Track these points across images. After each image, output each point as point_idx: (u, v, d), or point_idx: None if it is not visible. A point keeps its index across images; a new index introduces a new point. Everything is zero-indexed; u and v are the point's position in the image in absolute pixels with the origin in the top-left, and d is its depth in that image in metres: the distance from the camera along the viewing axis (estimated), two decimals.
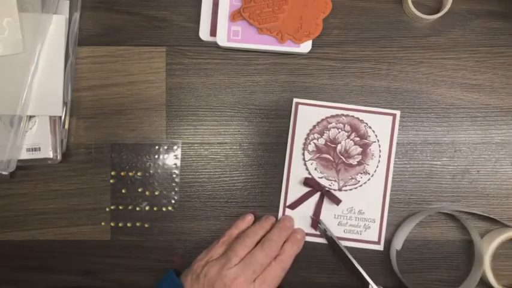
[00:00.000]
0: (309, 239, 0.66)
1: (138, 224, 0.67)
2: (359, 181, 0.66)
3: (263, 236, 0.63)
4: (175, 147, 0.67)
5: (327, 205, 0.66)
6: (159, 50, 0.68)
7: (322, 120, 0.66)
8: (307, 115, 0.66)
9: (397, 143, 0.67)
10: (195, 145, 0.67)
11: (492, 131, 0.67)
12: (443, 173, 0.67)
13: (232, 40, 0.65)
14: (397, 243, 0.66)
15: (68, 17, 0.66)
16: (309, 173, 0.66)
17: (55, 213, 0.67)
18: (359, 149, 0.66)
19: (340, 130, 0.66)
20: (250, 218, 0.66)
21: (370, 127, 0.66)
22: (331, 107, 0.66)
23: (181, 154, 0.67)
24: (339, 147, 0.66)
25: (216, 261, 0.60)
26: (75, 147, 0.67)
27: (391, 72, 0.67)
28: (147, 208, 0.67)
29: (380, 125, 0.66)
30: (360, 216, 0.66)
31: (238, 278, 0.58)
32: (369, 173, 0.66)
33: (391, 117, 0.66)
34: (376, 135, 0.66)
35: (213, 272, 0.59)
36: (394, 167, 0.67)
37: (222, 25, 0.65)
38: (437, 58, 0.67)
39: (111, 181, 0.67)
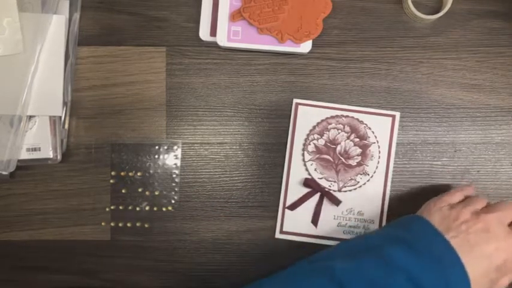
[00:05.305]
0: (309, 239, 0.66)
1: (138, 224, 0.67)
2: (358, 182, 0.66)
3: None
4: (175, 147, 0.67)
5: (326, 206, 0.66)
6: (159, 50, 0.67)
7: (322, 120, 0.66)
8: (307, 116, 0.66)
9: (397, 143, 0.67)
10: (195, 145, 0.67)
11: (492, 131, 0.67)
12: (443, 173, 0.67)
13: (232, 40, 0.65)
14: None
15: (68, 17, 0.66)
16: (309, 174, 0.66)
17: (55, 213, 0.67)
18: (358, 150, 0.66)
19: (340, 131, 0.66)
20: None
21: (369, 128, 0.66)
22: (331, 107, 0.66)
23: (181, 154, 0.67)
24: (338, 148, 0.66)
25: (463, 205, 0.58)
26: (75, 147, 0.67)
27: (391, 72, 0.67)
28: (147, 208, 0.67)
29: (379, 126, 0.66)
30: (359, 217, 0.66)
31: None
32: (368, 174, 0.66)
33: (390, 119, 0.66)
34: (375, 136, 0.66)
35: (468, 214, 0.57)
36: (394, 167, 0.67)
37: (222, 25, 0.65)
38: (437, 58, 0.67)
39: (111, 181, 0.67)
